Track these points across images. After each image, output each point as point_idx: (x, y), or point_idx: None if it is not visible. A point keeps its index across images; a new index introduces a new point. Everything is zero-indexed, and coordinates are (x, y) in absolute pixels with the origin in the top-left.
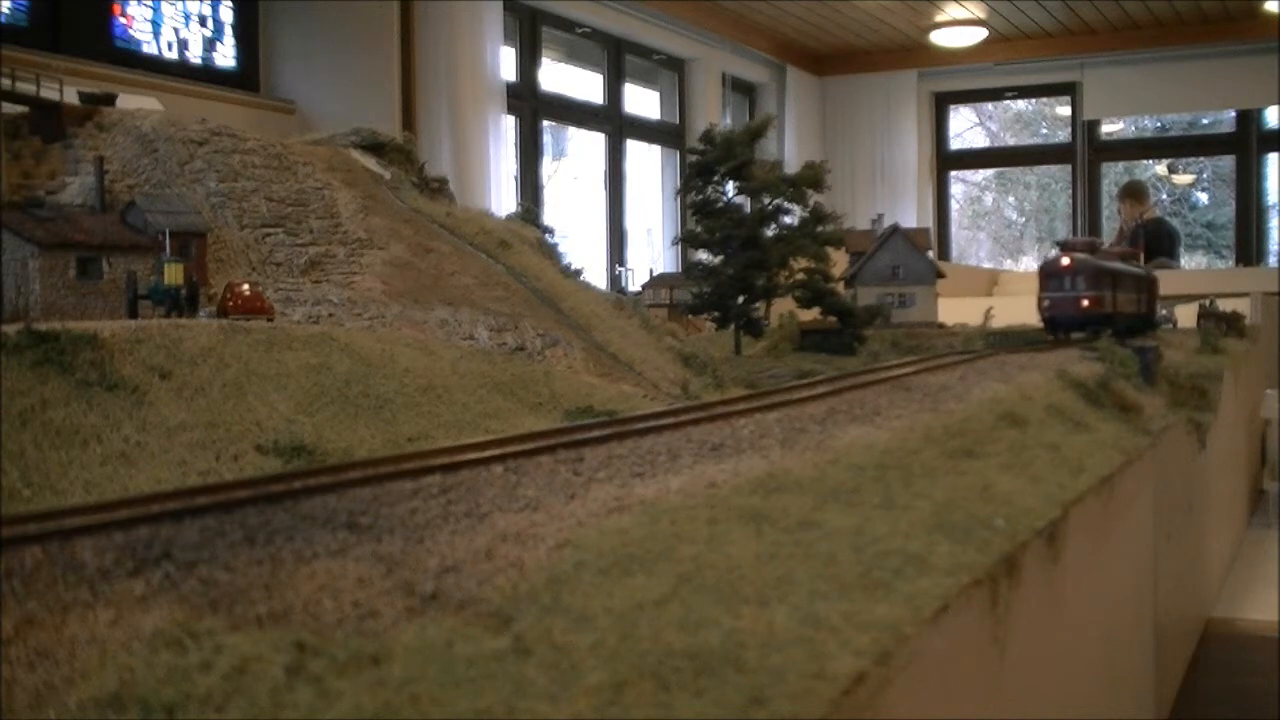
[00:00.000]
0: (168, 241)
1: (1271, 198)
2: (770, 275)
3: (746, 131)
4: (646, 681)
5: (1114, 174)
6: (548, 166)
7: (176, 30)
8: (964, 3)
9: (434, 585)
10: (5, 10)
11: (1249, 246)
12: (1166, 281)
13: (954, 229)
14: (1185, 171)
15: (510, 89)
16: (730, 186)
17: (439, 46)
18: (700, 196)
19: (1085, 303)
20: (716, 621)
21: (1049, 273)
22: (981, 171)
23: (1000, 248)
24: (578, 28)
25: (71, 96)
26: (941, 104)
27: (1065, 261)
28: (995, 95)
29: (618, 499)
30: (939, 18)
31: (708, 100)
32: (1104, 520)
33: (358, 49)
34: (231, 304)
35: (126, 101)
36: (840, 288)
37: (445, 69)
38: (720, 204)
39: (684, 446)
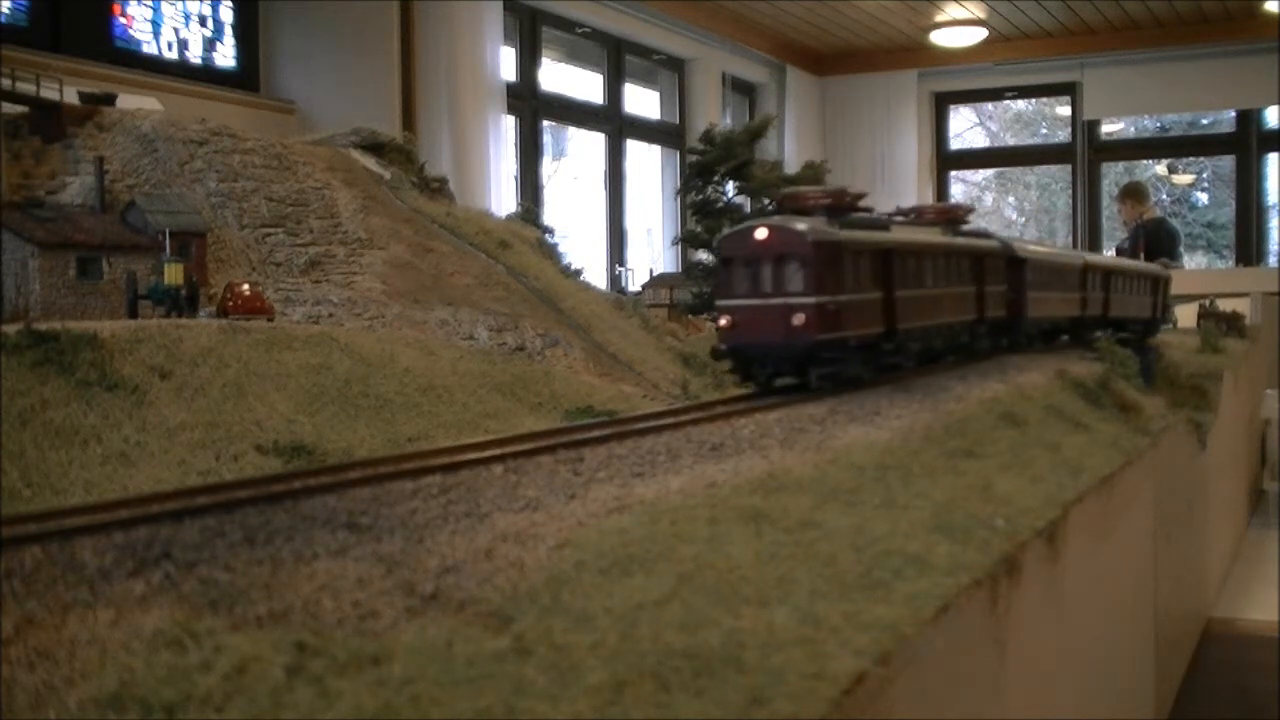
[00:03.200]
0: (168, 241)
1: (1271, 198)
2: None
3: (746, 131)
4: (646, 681)
5: (1114, 174)
6: (548, 166)
7: (176, 30)
8: (964, 3)
9: (434, 585)
10: (5, 10)
11: (1249, 246)
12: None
13: None
14: (1185, 171)
15: (510, 89)
16: (730, 186)
17: (439, 46)
18: (700, 196)
19: (799, 318)
20: (716, 621)
21: (730, 258)
22: (981, 171)
23: None
24: (578, 28)
25: (71, 96)
26: (941, 104)
27: (762, 234)
28: (995, 95)
29: (618, 499)
30: (939, 18)
31: (708, 100)
32: (1104, 520)
33: (358, 49)
34: (231, 304)
35: (126, 101)
36: None
37: (445, 69)
38: (720, 204)
39: (684, 446)
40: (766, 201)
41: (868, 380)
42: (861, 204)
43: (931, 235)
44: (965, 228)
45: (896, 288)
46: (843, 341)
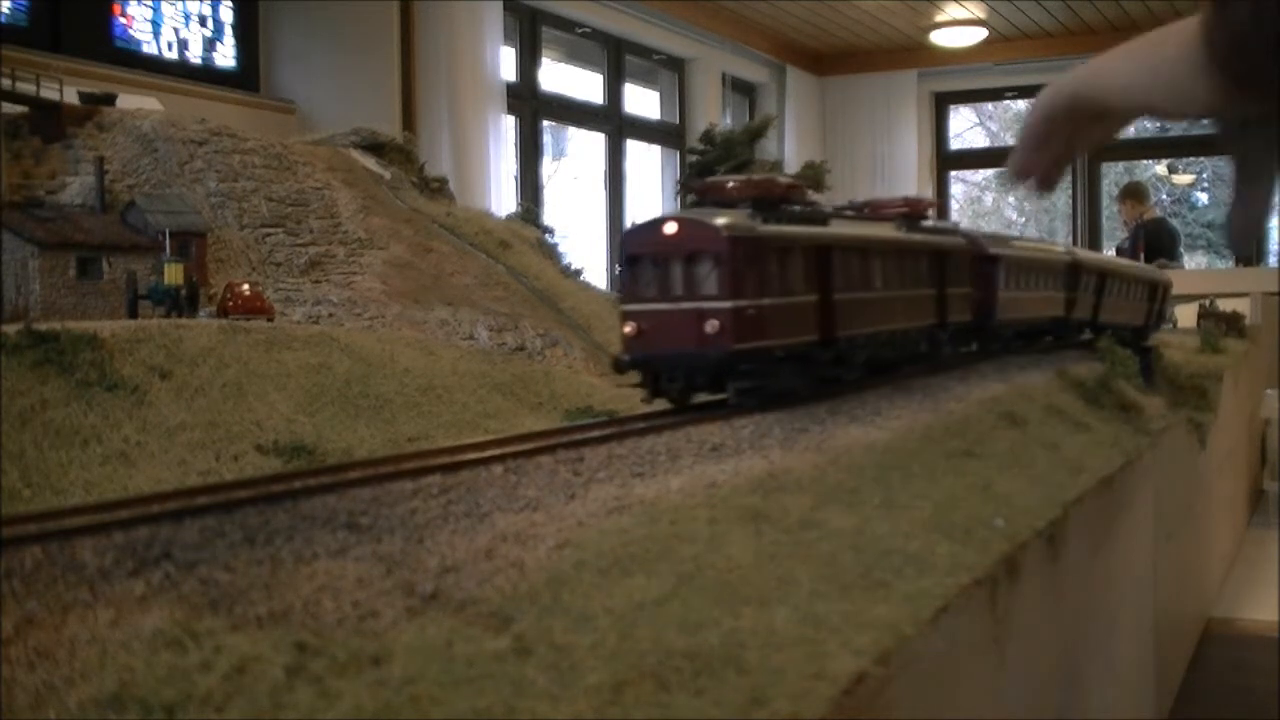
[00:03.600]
0: (168, 241)
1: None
2: None
3: (746, 131)
4: (646, 681)
5: (1114, 174)
6: (548, 166)
7: (176, 30)
8: (964, 3)
9: (434, 585)
10: (5, 10)
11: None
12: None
13: None
14: (1185, 171)
15: (510, 89)
16: None
17: (439, 46)
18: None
19: (713, 325)
20: (716, 621)
21: (635, 256)
22: (981, 171)
23: None
24: (578, 28)
25: (71, 96)
26: (941, 104)
27: (671, 229)
28: (995, 95)
29: (618, 499)
30: (939, 18)
31: (708, 100)
32: (1104, 520)
33: (358, 49)
34: (231, 304)
35: (126, 101)
36: None
37: (445, 69)
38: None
39: (684, 446)
40: None
41: (804, 395)
42: (797, 196)
43: (882, 231)
44: (927, 223)
45: (836, 290)
46: (766, 351)
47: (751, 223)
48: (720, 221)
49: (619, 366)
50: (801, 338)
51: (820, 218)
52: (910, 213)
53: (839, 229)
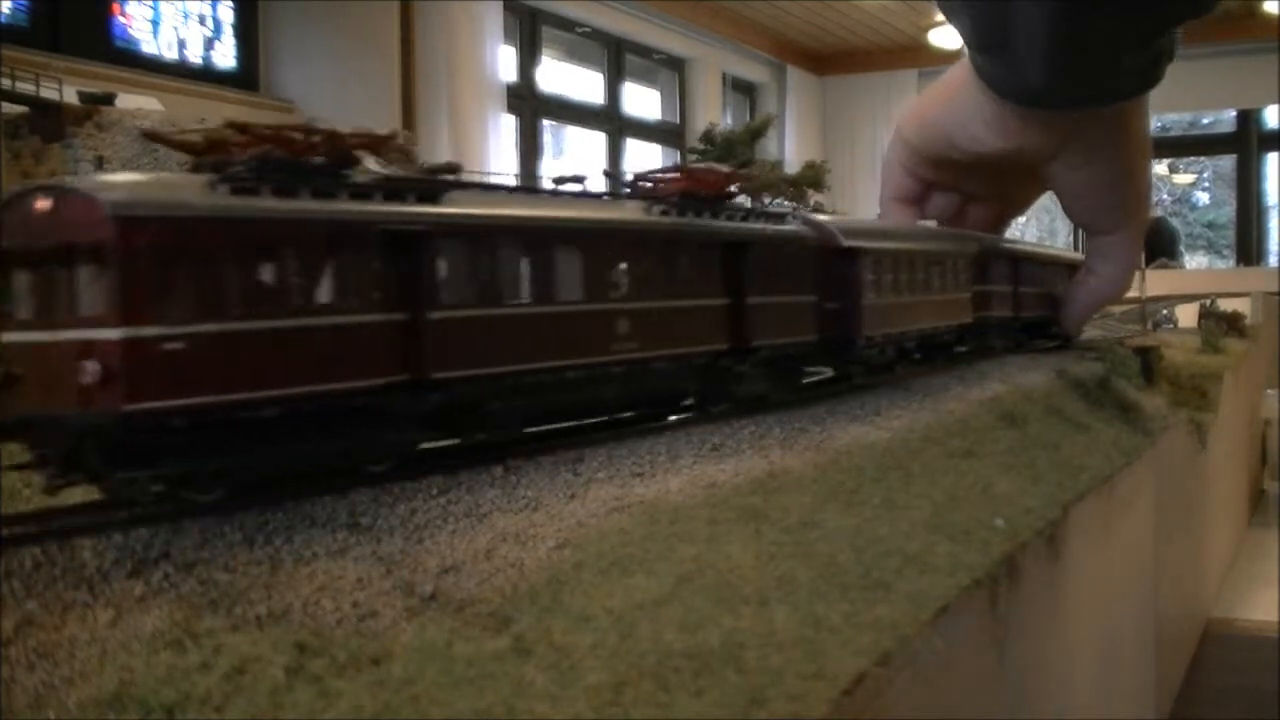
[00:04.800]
0: None
1: (1271, 198)
2: None
3: (747, 131)
4: (646, 681)
5: None
6: (548, 166)
7: (176, 30)
8: None
9: (434, 585)
10: (5, 10)
11: (1249, 246)
12: (1167, 281)
13: None
14: (1185, 171)
15: (510, 89)
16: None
17: (439, 46)
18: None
19: (91, 371)
20: (716, 621)
21: (7, 253)
22: None
23: None
24: (578, 28)
25: (71, 96)
26: None
27: (44, 205)
28: None
29: (618, 499)
30: (939, 18)
31: (708, 100)
32: (1104, 520)
33: (358, 49)
34: None
35: (126, 101)
36: None
37: (445, 69)
38: None
39: (684, 446)
40: (767, 201)
41: (378, 472)
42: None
43: (604, 214)
44: (737, 206)
45: (438, 303)
46: (219, 410)
47: (188, 193)
48: (104, 193)
49: None
50: (341, 383)
51: (426, 189)
52: (693, 189)
53: (459, 207)
